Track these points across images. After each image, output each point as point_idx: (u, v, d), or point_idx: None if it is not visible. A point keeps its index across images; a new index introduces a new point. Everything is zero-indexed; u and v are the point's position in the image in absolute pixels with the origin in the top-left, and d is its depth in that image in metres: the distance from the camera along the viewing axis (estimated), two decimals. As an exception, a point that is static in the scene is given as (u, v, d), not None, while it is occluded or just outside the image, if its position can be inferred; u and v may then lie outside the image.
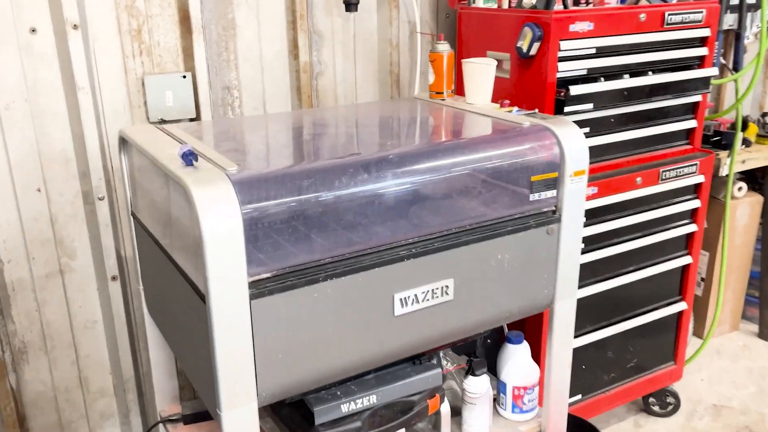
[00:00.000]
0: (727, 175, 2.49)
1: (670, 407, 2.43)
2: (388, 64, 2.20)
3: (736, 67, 2.40)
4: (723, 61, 2.56)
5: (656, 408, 2.44)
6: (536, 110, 1.62)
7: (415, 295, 1.36)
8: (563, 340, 1.63)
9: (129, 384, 2.03)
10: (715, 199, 2.65)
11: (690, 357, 2.52)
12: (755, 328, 2.98)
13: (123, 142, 1.54)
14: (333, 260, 1.26)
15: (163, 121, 1.86)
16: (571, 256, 1.55)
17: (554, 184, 1.49)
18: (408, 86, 2.26)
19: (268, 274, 1.19)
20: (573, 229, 1.53)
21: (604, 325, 2.15)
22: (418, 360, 1.53)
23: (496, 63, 1.68)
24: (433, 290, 1.38)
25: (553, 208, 1.51)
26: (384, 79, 2.21)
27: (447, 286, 1.39)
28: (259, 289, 1.18)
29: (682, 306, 2.30)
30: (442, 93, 1.80)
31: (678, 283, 2.30)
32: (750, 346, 2.89)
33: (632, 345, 2.25)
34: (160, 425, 1.78)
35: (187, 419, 1.73)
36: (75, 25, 1.70)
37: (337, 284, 1.25)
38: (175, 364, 1.78)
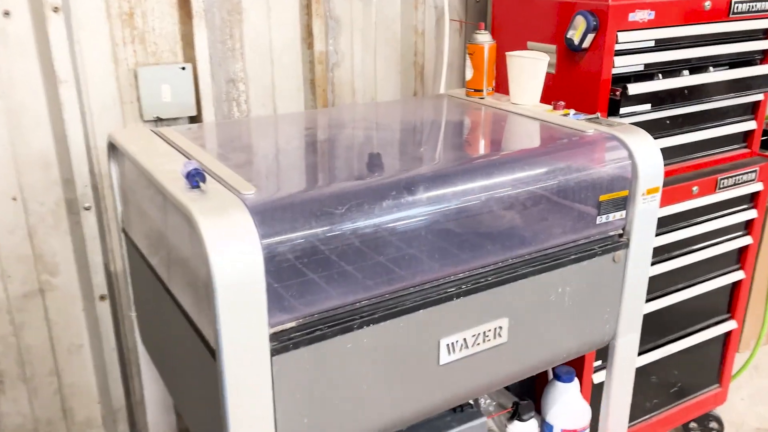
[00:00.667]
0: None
1: (713, 433, 2.23)
2: (412, 55, 1.96)
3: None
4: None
5: (697, 434, 2.24)
6: (598, 114, 1.39)
7: (464, 340, 1.13)
8: (624, 379, 1.42)
9: (119, 414, 1.80)
10: (761, 205, 2.43)
11: (733, 376, 2.32)
12: (794, 340, 2.79)
13: (112, 148, 1.30)
14: (370, 303, 1.03)
15: (159, 120, 1.62)
16: (638, 287, 1.33)
17: (624, 203, 1.26)
18: (433, 80, 2.02)
19: (293, 324, 0.97)
20: (642, 255, 1.31)
21: (650, 348, 1.93)
22: (459, 407, 1.31)
23: (548, 58, 1.45)
24: (484, 332, 1.15)
25: (621, 232, 1.29)
26: (407, 71, 1.97)
27: (500, 327, 1.17)
28: (282, 342, 0.95)
29: (731, 325, 2.09)
30: (482, 91, 1.56)
31: (727, 300, 2.09)
32: (790, 361, 2.69)
33: (677, 368, 2.04)
34: (156, 469, 1.56)
35: (187, 464, 1.51)
36: (55, 8, 1.44)
37: (375, 331, 1.03)
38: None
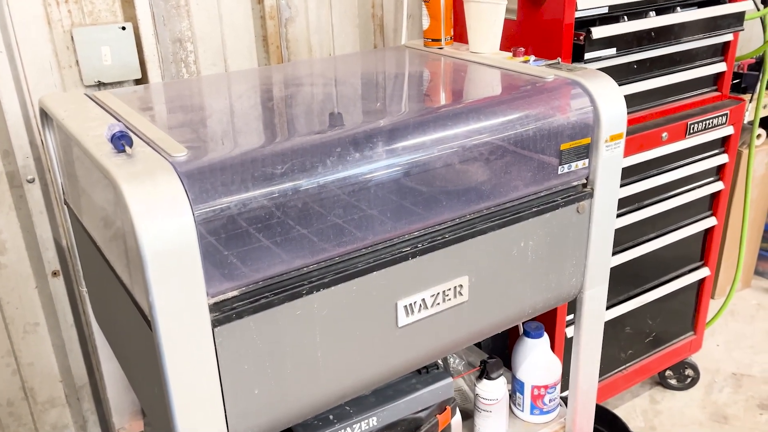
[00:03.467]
0: (747, 123, 2.23)
1: (689, 380, 2.23)
2: (369, 7, 1.87)
3: (765, 1, 2.11)
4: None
5: (674, 381, 2.24)
6: (558, 59, 1.32)
7: (423, 300, 1.08)
8: (593, 332, 1.39)
9: (83, 392, 1.75)
10: (733, 150, 2.40)
11: (707, 322, 2.31)
12: (768, 284, 2.80)
13: (44, 115, 1.22)
14: (319, 267, 0.97)
15: (101, 84, 1.53)
16: (603, 238, 1.29)
17: (586, 152, 1.21)
18: (393, 33, 1.93)
19: (236, 292, 0.91)
20: (607, 205, 1.26)
21: (623, 299, 1.91)
22: (425, 369, 1.27)
23: (506, 1, 1.38)
24: (444, 292, 1.11)
25: (584, 182, 1.24)
26: (365, 24, 1.88)
27: (461, 286, 1.12)
28: (224, 312, 0.90)
29: (704, 272, 2.07)
30: (440, 40, 1.49)
31: (700, 247, 2.06)
32: (765, 305, 2.70)
33: (651, 318, 2.02)
34: (121, 445, 1.52)
35: (151, 440, 1.47)
36: (-23, -34, 1.35)
37: (326, 296, 0.98)
38: (133, 373, 1.51)
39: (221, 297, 0.90)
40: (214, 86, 1.37)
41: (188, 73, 1.65)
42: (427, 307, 1.09)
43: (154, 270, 0.82)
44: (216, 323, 0.89)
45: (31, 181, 1.52)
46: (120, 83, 1.56)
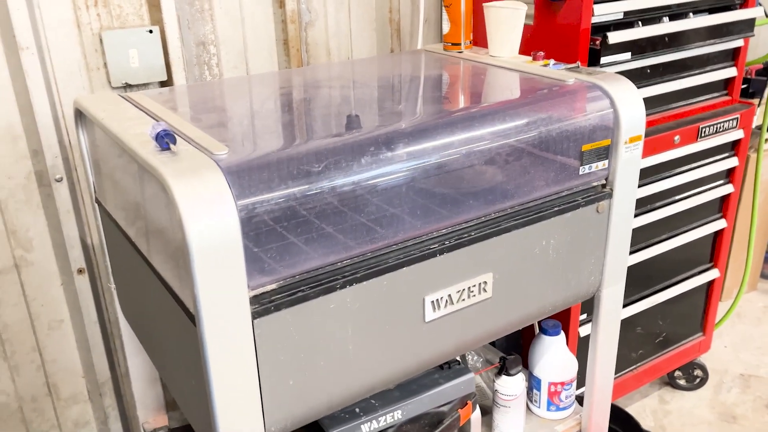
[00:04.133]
0: (757, 127, 2.27)
1: (698, 380, 2.26)
2: (387, 12, 1.91)
3: (774, 7, 2.15)
4: (759, 2, 2.30)
5: (682, 382, 2.27)
6: (578, 63, 1.36)
7: (449, 296, 1.12)
8: (610, 330, 1.42)
9: (105, 388, 1.78)
10: (741, 154, 2.43)
11: (716, 324, 2.34)
12: (775, 287, 2.83)
13: (79, 114, 1.26)
14: (352, 262, 1.01)
15: (128, 86, 1.57)
16: (622, 237, 1.32)
17: (606, 153, 1.24)
18: (410, 37, 1.97)
19: (274, 285, 0.94)
20: (625, 205, 1.30)
21: (635, 299, 1.94)
22: (447, 364, 1.31)
23: (526, 7, 1.41)
24: (469, 288, 1.14)
25: (604, 182, 1.27)
26: (383, 28, 1.92)
27: (485, 282, 1.16)
28: (263, 305, 0.93)
29: (714, 274, 2.11)
30: (460, 44, 1.53)
31: (710, 249, 2.10)
32: (771, 308, 2.73)
33: (661, 319, 2.06)
34: (145, 440, 1.55)
35: (176, 434, 1.50)
36: (11, -30, 1.38)
37: (358, 291, 1.01)
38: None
39: (261, 290, 0.93)
40: (240, 88, 1.41)
41: (211, 76, 1.69)
42: (453, 303, 1.13)
43: (199, 264, 0.85)
44: (256, 315, 0.92)
45: (59, 181, 1.55)
46: (146, 85, 1.59)
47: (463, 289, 1.13)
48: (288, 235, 0.94)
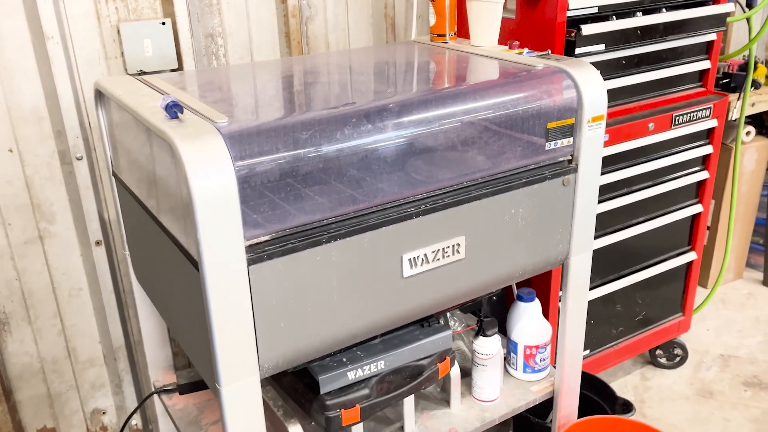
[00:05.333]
0: (736, 119, 2.39)
1: (678, 359, 2.38)
2: (382, 7, 2.05)
3: (750, 4, 2.27)
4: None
5: (663, 360, 2.39)
6: (548, 51, 1.49)
7: (425, 255, 1.26)
8: (578, 296, 1.55)
9: (119, 353, 1.94)
10: (723, 145, 2.55)
11: (697, 307, 2.46)
12: (760, 275, 2.93)
13: (99, 95, 1.41)
14: (336, 220, 1.15)
15: (142, 73, 1.72)
16: (587, 209, 1.45)
17: (571, 131, 1.38)
18: (404, 30, 2.11)
19: (267, 237, 1.08)
20: (590, 179, 1.43)
21: (614, 278, 2.07)
22: (427, 322, 1.44)
23: (503, 0, 1.55)
24: (443, 249, 1.28)
25: (570, 158, 1.41)
26: (378, 23, 2.07)
27: (458, 245, 1.29)
28: (257, 254, 1.07)
29: (691, 256, 2.23)
30: (445, 35, 1.67)
31: (687, 232, 2.22)
32: (755, 295, 2.84)
33: (641, 297, 2.18)
34: (155, 396, 1.69)
35: (183, 389, 1.65)
36: (39, -33, 1.54)
37: (342, 246, 1.15)
38: (167, 331, 1.69)
39: (255, 240, 1.07)
40: (243, 72, 1.56)
41: (218, 65, 1.84)
42: (428, 262, 1.26)
43: (202, 216, 0.99)
44: (251, 262, 1.06)
45: (80, 159, 1.71)
46: (159, 72, 1.74)
47: (438, 250, 1.27)
48: (279, 194, 1.08)
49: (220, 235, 1.02)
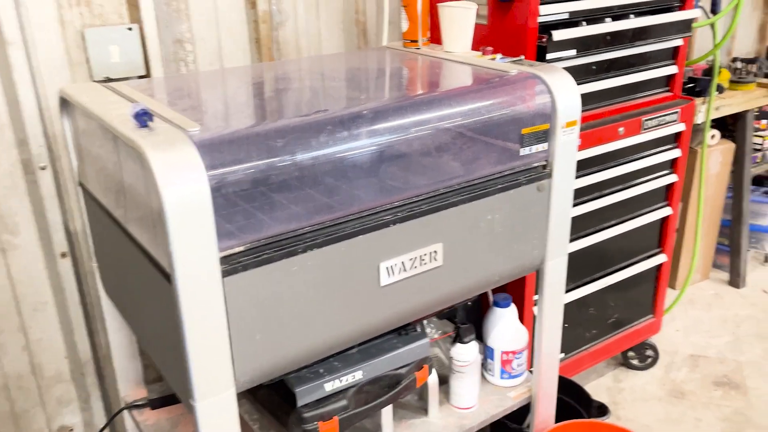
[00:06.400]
0: (701, 123, 2.43)
1: (649, 360, 2.41)
2: (353, 13, 2.04)
3: (714, 10, 2.32)
4: (700, 4, 2.47)
5: (635, 361, 2.42)
6: (522, 57, 1.49)
7: (402, 263, 1.24)
8: (554, 301, 1.55)
9: (87, 368, 1.88)
10: (689, 148, 2.59)
11: (667, 308, 2.49)
12: (726, 276, 2.99)
13: (64, 102, 1.36)
14: (312, 229, 1.13)
15: (109, 80, 1.68)
16: (562, 214, 1.46)
17: (545, 136, 1.38)
18: (375, 36, 2.10)
19: (242, 248, 1.06)
20: (565, 184, 1.43)
21: (587, 281, 2.08)
22: (404, 330, 1.43)
23: (476, 6, 1.55)
24: (420, 256, 1.26)
25: (544, 163, 1.41)
26: (349, 29, 2.05)
27: (435, 252, 1.28)
28: (231, 265, 1.04)
29: (661, 258, 2.26)
30: (417, 41, 1.66)
31: (657, 235, 2.25)
32: (722, 295, 2.89)
33: (613, 300, 2.20)
34: (125, 411, 1.65)
35: (155, 404, 1.60)
36: (-1, -29, 1.49)
37: (318, 255, 1.13)
38: (137, 344, 1.64)
39: (229, 251, 1.04)
40: (214, 79, 1.53)
41: (187, 71, 1.80)
42: (406, 270, 1.25)
43: (174, 227, 0.96)
44: (225, 273, 1.04)
45: (43, 168, 1.66)
46: (126, 79, 1.70)
47: (416, 257, 1.26)
48: (254, 203, 1.06)
49: (194, 246, 0.99)
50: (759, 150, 2.97)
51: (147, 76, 1.72)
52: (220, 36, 1.84)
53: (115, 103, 1.21)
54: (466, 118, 1.28)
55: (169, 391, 1.61)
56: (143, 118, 1.03)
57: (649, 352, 2.41)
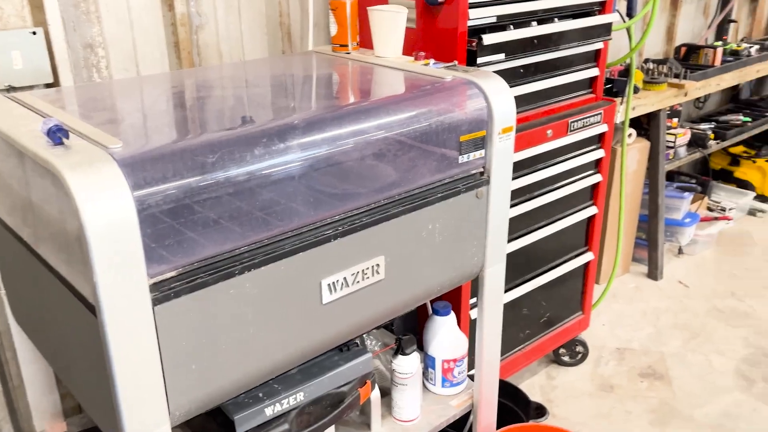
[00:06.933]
0: (620, 123, 2.50)
1: (579, 356, 2.46)
2: (277, 15, 1.97)
3: (630, 14, 2.39)
4: (616, 8, 2.54)
5: (566, 358, 2.46)
6: (455, 62, 1.47)
7: (345, 279, 1.19)
8: (494, 307, 1.54)
9: (-3, 401, 1.72)
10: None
11: (594, 303, 2.55)
12: (644, 269, 3.10)
13: (-39, 116, 1.23)
14: (249, 249, 1.06)
15: (12, 88, 1.53)
16: (500, 220, 1.45)
17: (482, 143, 1.36)
18: (300, 40, 2.04)
19: (173, 273, 0.98)
20: (502, 190, 1.42)
21: (520, 282, 2.10)
22: (345, 346, 1.38)
23: (406, 10, 1.52)
24: (363, 271, 1.22)
25: (482, 170, 1.39)
26: (273, 32, 1.98)
27: (378, 265, 1.24)
28: (162, 292, 0.96)
29: (589, 256, 2.30)
30: (347, 46, 1.61)
31: (584, 233, 2.29)
32: (642, 288, 3.00)
33: (544, 299, 2.23)
34: (43, 449, 1.52)
35: (76, 439, 1.48)
36: None
37: (256, 276, 1.06)
38: (54, 374, 1.51)
39: (160, 277, 0.96)
40: (130, 88, 1.42)
41: (100, 78, 1.68)
42: (348, 285, 1.20)
43: (98, 255, 0.88)
44: (156, 302, 0.95)
45: (-61, 187, 1.50)
46: (31, 87, 1.56)
47: (358, 272, 1.21)
48: (185, 224, 0.98)
49: (120, 274, 0.91)
50: (671, 147, 3.10)
51: (55, 84, 1.58)
52: (135, 40, 1.72)
53: (22, 116, 1.10)
54: (404, 127, 1.24)
55: (92, 423, 1.49)
56: (57, 134, 0.93)
57: (579, 348, 2.46)
